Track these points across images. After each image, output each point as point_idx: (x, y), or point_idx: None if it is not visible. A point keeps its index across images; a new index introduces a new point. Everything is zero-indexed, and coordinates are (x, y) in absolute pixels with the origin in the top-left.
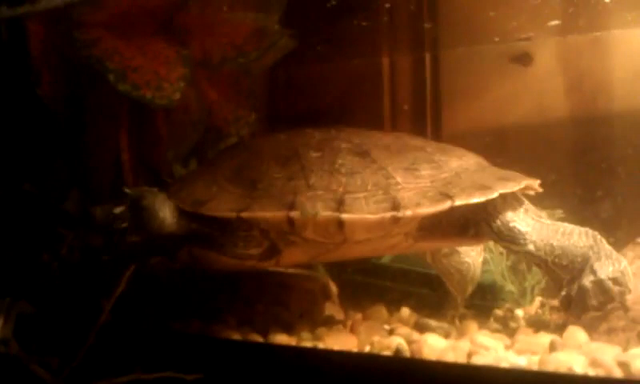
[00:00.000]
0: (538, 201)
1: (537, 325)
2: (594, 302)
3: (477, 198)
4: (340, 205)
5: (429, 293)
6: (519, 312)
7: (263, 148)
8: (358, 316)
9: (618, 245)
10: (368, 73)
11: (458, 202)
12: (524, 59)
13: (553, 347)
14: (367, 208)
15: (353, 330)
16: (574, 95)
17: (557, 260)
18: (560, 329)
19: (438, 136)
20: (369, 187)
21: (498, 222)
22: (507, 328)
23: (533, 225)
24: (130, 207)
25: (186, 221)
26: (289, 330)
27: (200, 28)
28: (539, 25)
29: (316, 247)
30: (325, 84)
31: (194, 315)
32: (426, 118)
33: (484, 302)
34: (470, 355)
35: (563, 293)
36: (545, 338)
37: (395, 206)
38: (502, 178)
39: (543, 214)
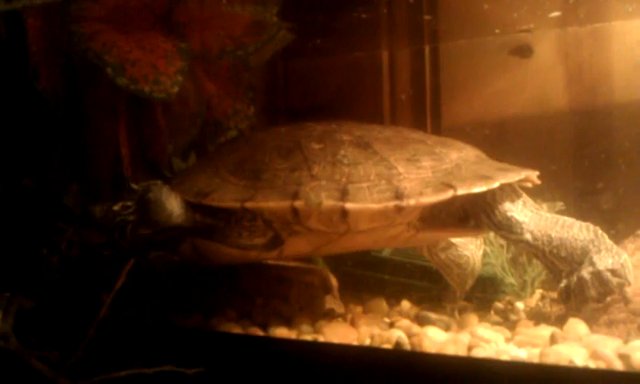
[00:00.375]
0: (539, 193)
1: (537, 317)
2: (592, 293)
3: (478, 188)
4: (343, 194)
5: (429, 285)
6: (520, 305)
7: (264, 141)
8: (358, 309)
9: (619, 237)
10: (367, 66)
11: (460, 192)
12: (524, 51)
13: (553, 340)
14: (370, 197)
15: (353, 323)
16: (574, 87)
17: (555, 251)
18: (560, 321)
19: (437, 128)
20: (371, 177)
21: (497, 213)
22: (508, 321)
23: (531, 216)
24: (137, 201)
25: (191, 212)
26: (289, 323)
27: (198, 21)
28: (539, 16)
29: (319, 237)
30: (324, 77)
31: (194, 309)
32: (425, 110)
33: (484, 295)
34: (470, 348)
35: (562, 284)
36: (545, 330)
37: (398, 196)
38: (502, 169)
39: (544, 206)
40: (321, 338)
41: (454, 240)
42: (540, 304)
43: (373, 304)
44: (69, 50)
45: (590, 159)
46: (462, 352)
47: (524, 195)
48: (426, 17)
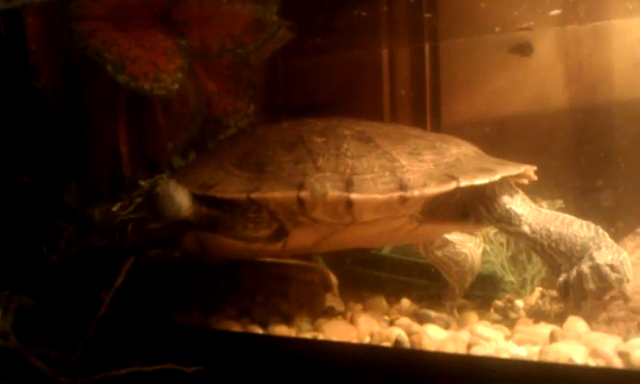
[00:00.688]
0: (538, 191)
1: (537, 315)
2: (591, 287)
3: (480, 180)
4: (348, 185)
5: (428, 283)
6: (519, 303)
7: (267, 135)
8: (358, 307)
9: (618, 235)
10: (367, 64)
11: (463, 183)
12: (524, 49)
13: (553, 338)
14: (375, 188)
15: (353, 321)
16: (574, 85)
17: (553, 245)
18: (560, 319)
19: (437, 127)
20: (375, 169)
21: (496, 205)
22: (507, 319)
23: (529, 210)
24: (145, 196)
25: (197, 205)
26: (289, 321)
27: (198, 19)
28: (540, 14)
29: (323, 229)
30: (324, 75)
31: (194, 307)
32: (425, 108)
33: (484, 293)
34: (470, 346)
35: (561, 279)
36: (545, 328)
37: (402, 187)
38: (501, 164)
39: (543, 204)
40: (320, 336)
41: (452, 238)
42: (540, 302)
43: (372, 302)
44: (68, 48)
45: (589, 157)
46: (461, 350)
47: (521, 193)
48: (426, 15)
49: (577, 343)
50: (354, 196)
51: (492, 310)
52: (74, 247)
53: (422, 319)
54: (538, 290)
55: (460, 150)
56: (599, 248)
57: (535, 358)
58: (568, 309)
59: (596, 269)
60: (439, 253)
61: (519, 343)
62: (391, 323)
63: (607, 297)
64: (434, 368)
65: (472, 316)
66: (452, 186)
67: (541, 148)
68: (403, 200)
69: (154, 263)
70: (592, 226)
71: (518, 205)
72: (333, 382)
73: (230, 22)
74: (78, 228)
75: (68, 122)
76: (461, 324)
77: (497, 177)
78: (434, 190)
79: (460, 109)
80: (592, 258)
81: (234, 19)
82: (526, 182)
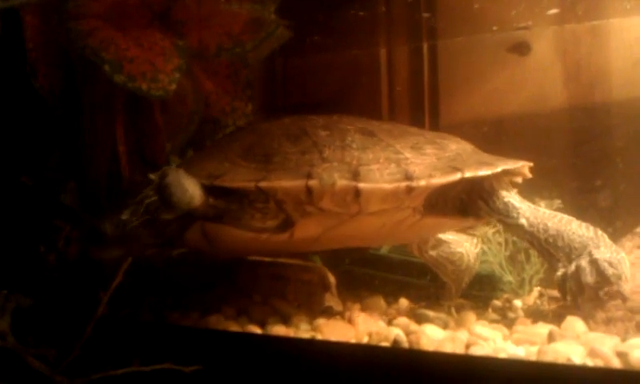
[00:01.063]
0: (536, 191)
1: (535, 315)
2: (589, 280)
3: (484, 171)
4: (355, 175)
5: (427, 283)
6: (517, 302)
7: (270, 130)
8: (356, 307)
9: (617, 235)
10: (365, 63)
11: (468, 174)
12: (522, 48)
13: (551, 337)
14: (382, 178)
15: (351, 321)
16: (572, 85)
17: (551, 239)
18: (558, 319)
19: (435, 126)
20: (381, 160)
21: (495, 198)
22: (505, 318)
23: (528, 206)
24: (157, 189)
25: (206, 195)
26: (287, 321)
27: (196, 19)
28: (537, 14)
29: (330, 219)
30: (322, 74)
31: (192, 307)
32: (423, 108)
33: (482, 293)
34: (468, 346)
35: (559, 272)
36: (543, 328)
37: (408, 177)
38: (500, 159)
39: (541, 204)
40: (319, 336)
41: (447, 238)
42: (538, 302)
43: (371, 302)
44: (66, 48)
45: (588, 157)
46: (459, 350)
47: (517, 193)
48: (424, 14)
49: (575, 343)
50: (362, 185)
51: (490, 310)
52: (72, 247)
53: (420, 319)
54: (537, 289)
55: (459, 146)
56: (598, 247)
57: (533, 358)
58: (565, 302)
59: (594, 263)
60: (434, 253)
61: (517, 343)
62: (389, 323)
63: (605, 293)
64: (432, 368)
65: (470, 316)
66: (457, 176)
67: (539, 147)
68: (409, 190)
69: (151, 263)
70: (590, 227)
71: (516, 199)
72: (331, 382)
73: (227, 22)
74: (92, 246)
75: (66, 121)
76: (459, 324)
77: (498, 169)
78: (439, 180)
79: (458, 108)
80: (590, 254)
81: (232, 19)
82: (519, 180)
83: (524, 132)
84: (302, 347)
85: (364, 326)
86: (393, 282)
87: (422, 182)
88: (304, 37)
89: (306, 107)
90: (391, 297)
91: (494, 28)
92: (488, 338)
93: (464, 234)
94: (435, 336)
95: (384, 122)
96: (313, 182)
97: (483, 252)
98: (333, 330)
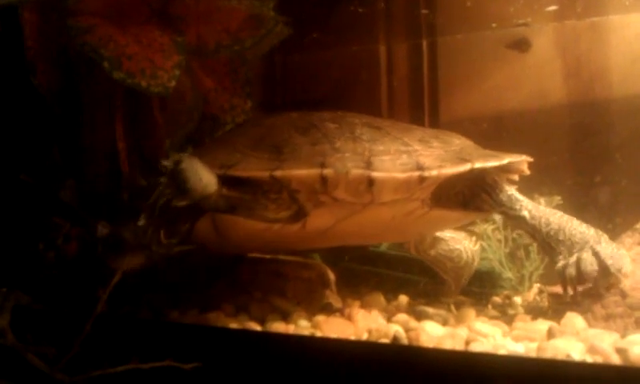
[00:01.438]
0: (536, 187)
1: (535, 312)
2: (589, 269)
3: (492, 163)
4: (369, 165)
5: (426, 280)
6: (517, 299)
7: (276, 123)
8: (356, 304)
9: (617, 231)
10: (365, 60)
11: (478, 165)
12: (522, 45)
13: (551, 334)
14: (394, 168)
15: (350, 318)
16: (572, 81)
17: (552, 233)
18: (558, 315)
19: (435, 123)
20: (392, 151)
21: (498, 191)
22: (505, 315)
23: (529, 201)
24: (171, 175)
25: (219, 185)
26: (286, 318)
27: (195, 15)
28: (537, 10)
29: (342, 209)
30: (321, 71)
31: (191, 304)
32: (423, 105)
33: (482, 289)
34: (467, 342)
35: (560, 264)
36: (543, 324)
37: (420, 167)
38: (502, 154)
39: (541, 200)
40: (318, 333)
41: (444, 235)
42: (537, 298)
43: (370, 298)
44: (66, 44)
45: (587, 153)
46: (459, 346)
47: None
48: (424, 11)
49: (575, 339)
50: (375, 174)
51: (490, 307)
52: (71, 244)
53: (419, 316)
54: (536, 286)
55: (461, 141)
56: (599, 242)
57: (533, 355)
58: (565, 302)
59: (596, 255)
60: (432, 252)
61: (517, 339)
62: (389, 320)
63: (605, 285)
64: (432, 364)
65: (470, 312)
66: (467, 166)
67: (539, 144)
68: (422, 180)
69: (151, 261)
70: (592, 228)
71: (518, 194)
72: (331, 378)
73: (226, 18)
74: (113, 256)
75: (65, 118)
76: (459, 320)
77: (505, 161)
78: (450, 170)
79: (458, 105)
80: (592, 248)
81: (231, 15)
82: (516, 178)
83: (524, 129)
84: (301, 344)
85: (364, 323)
86: (392, 279)
87: (434, 172)
88: (303, 34)
89: (306, 104)
90: (391, 294)
91: (494, 25)
92: (488, 335)
93: (462, 231)
94: (435, 333)
95: (385, 119)
96: (328, 171)
97: (483, 249)
98: (332, 327)
